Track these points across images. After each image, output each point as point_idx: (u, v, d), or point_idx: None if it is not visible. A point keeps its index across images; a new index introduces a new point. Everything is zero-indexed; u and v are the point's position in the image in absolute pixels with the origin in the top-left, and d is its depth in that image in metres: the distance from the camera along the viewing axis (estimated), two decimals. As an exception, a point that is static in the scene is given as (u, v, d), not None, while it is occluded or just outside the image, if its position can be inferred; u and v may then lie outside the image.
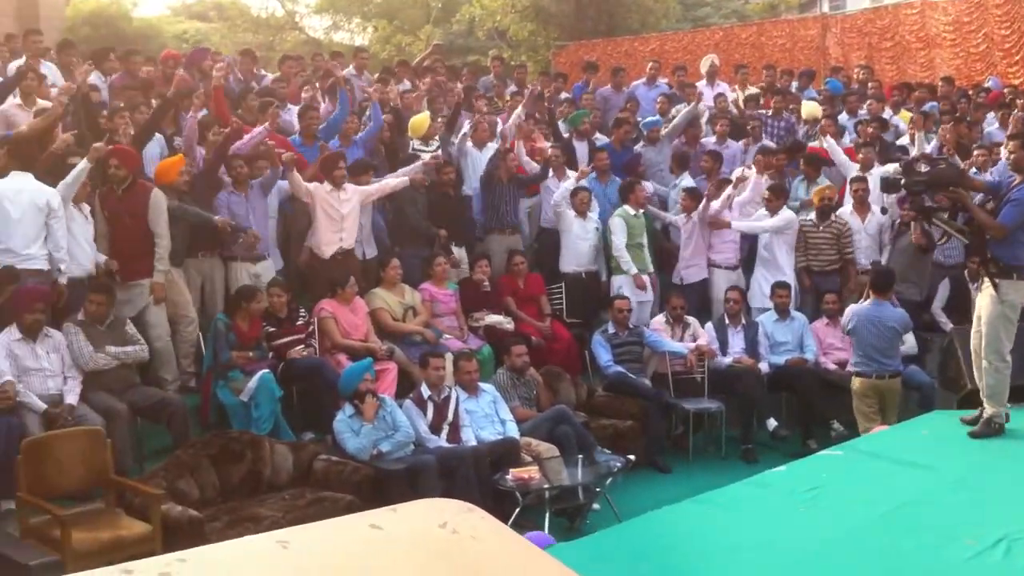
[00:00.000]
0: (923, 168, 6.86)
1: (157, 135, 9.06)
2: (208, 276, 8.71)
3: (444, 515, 2.52)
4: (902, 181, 7.07)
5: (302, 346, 8.13)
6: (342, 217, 8.96)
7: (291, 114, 10.69)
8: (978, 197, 7.06)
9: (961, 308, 9.92)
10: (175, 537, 5.77)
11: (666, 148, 11.76)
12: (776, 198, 10.17)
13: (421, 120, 10.57)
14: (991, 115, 12.71)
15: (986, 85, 14.43)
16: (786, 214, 10.18)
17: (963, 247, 10.03)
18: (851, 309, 8.63)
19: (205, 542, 4.60)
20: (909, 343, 9.59)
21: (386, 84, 11.82)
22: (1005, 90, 14.00)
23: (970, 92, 13.82)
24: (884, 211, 10.00)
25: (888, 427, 7.74)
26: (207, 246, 8.63)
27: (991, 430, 6.75)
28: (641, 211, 10.26)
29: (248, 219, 8.65)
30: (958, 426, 7.04)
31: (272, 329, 8.12)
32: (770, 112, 12.49)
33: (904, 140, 11.56)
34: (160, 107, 9.05)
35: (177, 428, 7.30)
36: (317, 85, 11.58)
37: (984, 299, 6.74)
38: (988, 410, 6.76)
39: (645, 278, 10.12)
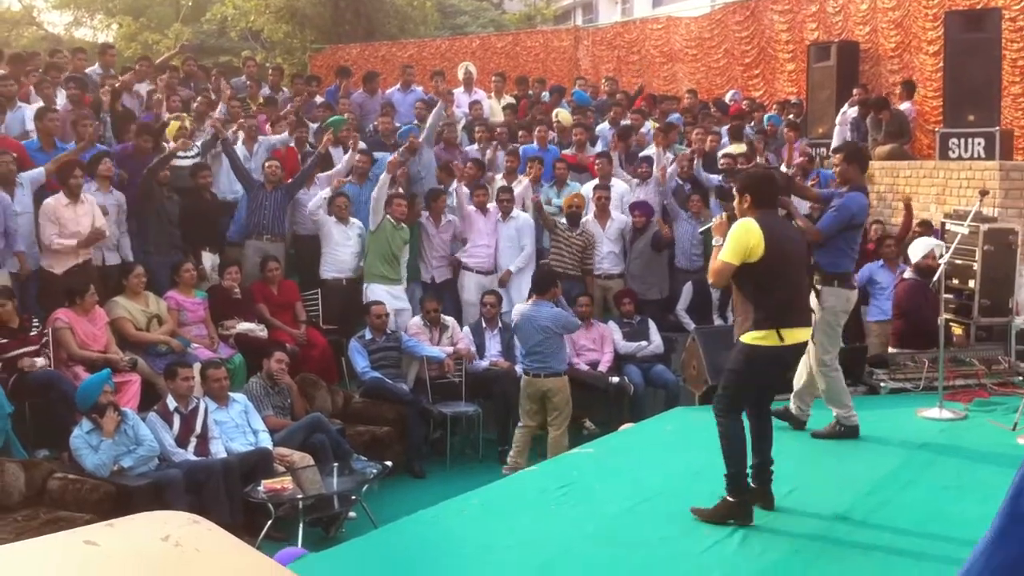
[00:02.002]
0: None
1: None
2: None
3: (166, 528, 2.38)
4: (734, 189, 7.14)
5: (36, 358, 7.61)
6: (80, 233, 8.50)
7: (23, 112, 10.00)
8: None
9: (703, 309, 10.44)
10: None
11: (427, 154, 11.70)
12: None
13: (175, 124, 10.18)
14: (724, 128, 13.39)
15: (726, 98, 15.25)
16: None
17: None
18: (516, 308, 8.88)
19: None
20: (655, 343, 10.03)
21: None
22: (744, 103, 14.82)
23: (710, 104, 14.56)
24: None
25: (633, 424, 7.99)
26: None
27: (835, 432, 6.76)
28: (403, 224, 10.14)
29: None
30: (700, 421, 7.33)
31: (2, 341, 7.56)
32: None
33: (650, 151, 12.01)
34: None
35: None
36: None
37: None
38: (833, 412, 6.77)
39: (381, 287, 9.94)
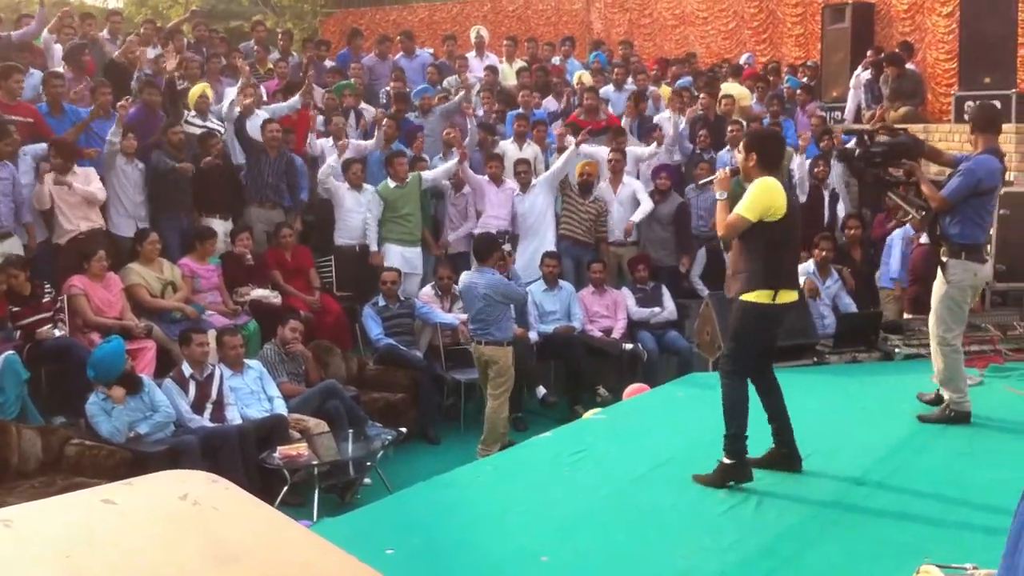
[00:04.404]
0: (882, 139, 6.58)
1: None
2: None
3: (185, 487, 2.39)
4: (857, 152, 6.68)
5: (50, 325, 7.64)
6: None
7: (35, 79, 9.96)
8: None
9: (717, 276, 10.40)
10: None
11: (437, 123, 11.66)
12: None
13: (198, 90, 10.18)
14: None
15: (740, 62, 15.12)
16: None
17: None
18: (463, 276, 8.61)
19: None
20: (669, 309, 10.01)
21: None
22: (769, 66, 14.66)
23: (721, 67, 14.45)
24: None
25: (648, 389, 7.98)
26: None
27: (944, 417, 6.36)
28: (405, 182, 10.13)
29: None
30: (712, 387, 7.30)
31: (16, 309, 7.59)
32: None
33: (664, 114, 11.94)
34: None
35: (-88, 417, 6.75)
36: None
37: (936, 280, 6.34)
38: (945, 395, 6.41)
39: (396, 249, 10.03)
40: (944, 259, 6.21)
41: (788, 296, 5.32)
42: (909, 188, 6.67)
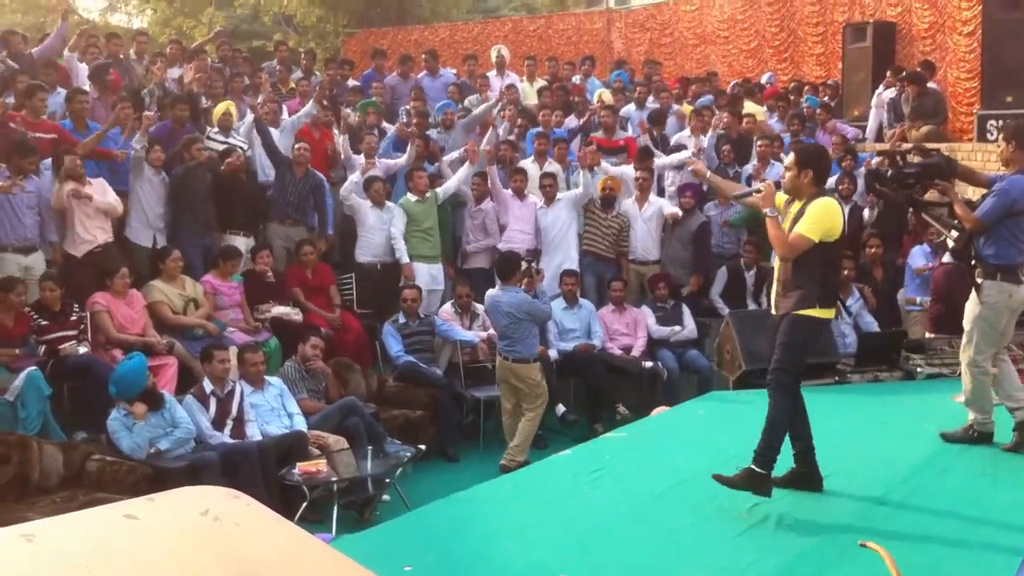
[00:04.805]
0: (915, 159, 6.50)
1: None
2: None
3: (206, 503, 2.41)
4: (889, 173, 6.55)
5: (74, 341, 7.70)
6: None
7: (60, 97, 10.08)
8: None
9: (737, 295, 10.39)
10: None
11: (460, 137, 11.75)
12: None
13: (222, 107, 10.31)
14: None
15: (762, 81, 15.14)
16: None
17: (740, 238, 10.67)
18: (488, 293, 8.65)
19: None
20: (689, 327, 9.98)
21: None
22: (791, 85, 14.64)
23: (739, 85, 14.46)
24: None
25: (667, 408, 7.97)
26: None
27: (967, 437, 6.33)
28: (426, 196, 10.18)
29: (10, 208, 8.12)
30: (733, 406, 7.32)
31: (44, 323, 7.67)
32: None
33: (685, 133, 11.96)
34: None
35: (-66, 431, 6.79)
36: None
37: (970, 300, 6.24)
38: (969, 416, 6.35)
39: (422, 266, 10.06)
40: (979, 280, 6.14)
41: (832, 312, 5.44)
42: (942, 208, 6.58)
